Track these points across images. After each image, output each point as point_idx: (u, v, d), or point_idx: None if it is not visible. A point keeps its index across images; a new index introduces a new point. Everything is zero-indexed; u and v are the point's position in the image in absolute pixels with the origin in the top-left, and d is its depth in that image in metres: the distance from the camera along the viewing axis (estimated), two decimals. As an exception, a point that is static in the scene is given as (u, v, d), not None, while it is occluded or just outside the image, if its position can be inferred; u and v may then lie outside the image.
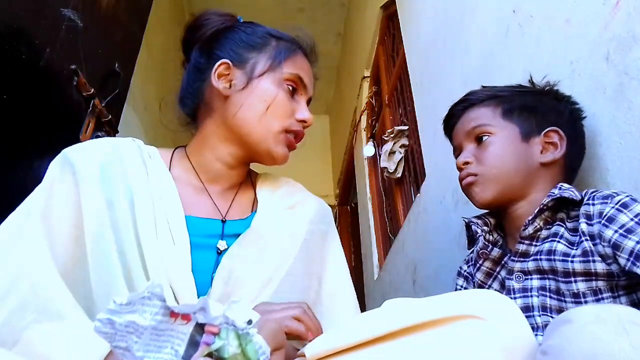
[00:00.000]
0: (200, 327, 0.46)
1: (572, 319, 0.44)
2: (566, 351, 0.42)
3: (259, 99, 0.80)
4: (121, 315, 0.45)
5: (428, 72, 1.90)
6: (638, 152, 0.76)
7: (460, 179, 0.88)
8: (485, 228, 0.86)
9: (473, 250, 0.91)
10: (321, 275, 0.84)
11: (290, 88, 0.83)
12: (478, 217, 0.89)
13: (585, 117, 0.87)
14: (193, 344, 0.46)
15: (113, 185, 0.73)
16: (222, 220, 0.79)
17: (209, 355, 0.45)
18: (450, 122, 0.95)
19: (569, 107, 0.86)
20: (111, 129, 1.50)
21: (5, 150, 1.09)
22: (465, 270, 0.93)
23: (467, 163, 0.86)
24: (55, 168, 0.74)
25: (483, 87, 0.95)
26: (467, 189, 0.87)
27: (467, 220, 0.89)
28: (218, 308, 0.46)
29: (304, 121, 0.83)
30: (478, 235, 0.85)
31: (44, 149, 0.76)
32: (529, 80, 0.93)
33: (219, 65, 0.82)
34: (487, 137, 0.85)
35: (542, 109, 0.85)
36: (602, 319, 0.42)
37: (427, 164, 1.90)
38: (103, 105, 1.44)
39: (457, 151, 0.92)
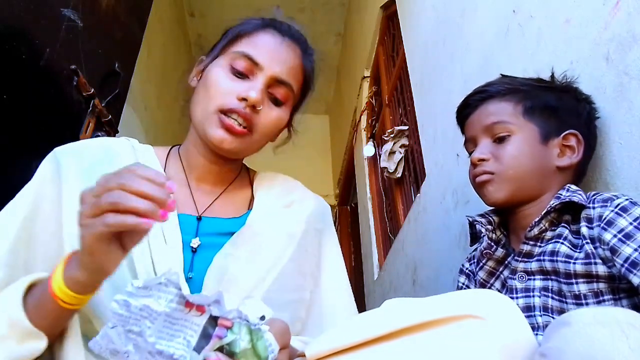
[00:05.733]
0: (213, 320, 0.47)
1: (571, 321, 0.44)
2: (564, 353, 0.42)
3: (201, 84, 0.80)
4: (137, 299, 0.46)
5: (428, 72, 1.90)
6: (638, 152, 0.76)
7: (474, 176, 0.85)
8: (489, 227, 0.85)
9: (475, 248, 0.90)
10: (317, 275, 0.83)
11: (236, 67, 0.77)
12: (482, 215, 0.88)
13: (599, 117, 0.85)
14: (205, 336, 0.47)
15: None
16: (197, 218, 0.78)
17: (220, 349, 0.46)
18: (465, 112, 0.91)
19: (587, 108, 0.84)
20: (111, 129, 1.50)
21: (5, 150, 1.09)
22: (467, 268, 0.92)
23: (483, 160, 0.83)
24: (45, 166, 0.74)
25: (502, 76, 0.92)
26: (480, 187, 0.85)
27: (471, 219, 0.88)
28: (232, 302, 0.47)
29: (244, 99, 0.74)
30: (482, 234, 0.85)
31: (44, 149, 0.76)
32: (551, 76, 0.90)
33: (198, 65, 0.86)
34: (506, 134, 0.82)
35: (562, 110, 0.83)
36: (600, 321, 0.42)
37: (427, 164, 1.90)
38: (103, 105, 1.45)
39: (470, 143, 0.89)
